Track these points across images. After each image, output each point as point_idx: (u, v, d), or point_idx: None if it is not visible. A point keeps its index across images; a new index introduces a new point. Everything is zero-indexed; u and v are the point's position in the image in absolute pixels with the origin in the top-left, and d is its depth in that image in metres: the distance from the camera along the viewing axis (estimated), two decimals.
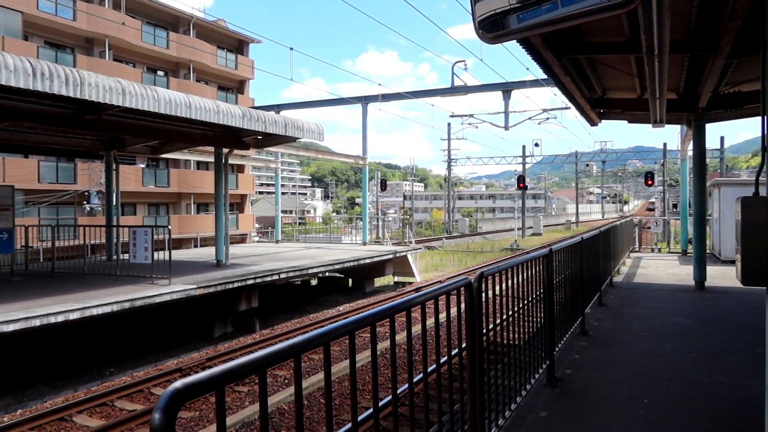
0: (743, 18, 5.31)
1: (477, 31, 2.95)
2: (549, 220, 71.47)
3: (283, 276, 13.80)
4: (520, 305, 4.02)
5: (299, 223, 57.04)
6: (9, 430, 6.68)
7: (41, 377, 9.34)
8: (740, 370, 5.27)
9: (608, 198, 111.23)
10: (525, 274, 4.09)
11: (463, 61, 22.03)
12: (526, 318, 4.14)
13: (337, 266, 16.28)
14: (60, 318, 8.53)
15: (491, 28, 2.89)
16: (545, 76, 7.94)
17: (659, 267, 14.15)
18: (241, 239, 34.15)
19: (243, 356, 1.50)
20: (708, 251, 13.95)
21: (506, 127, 25.37)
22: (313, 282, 20.17)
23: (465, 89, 22.62)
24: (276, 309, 15.23)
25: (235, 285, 12.05)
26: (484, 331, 3.24)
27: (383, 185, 38.40)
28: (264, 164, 26.88)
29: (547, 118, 29.35)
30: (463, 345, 3.09)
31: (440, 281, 17.34)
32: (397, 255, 19.68)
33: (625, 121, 11.58)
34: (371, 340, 2.13)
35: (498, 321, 3.64)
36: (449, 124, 49.66)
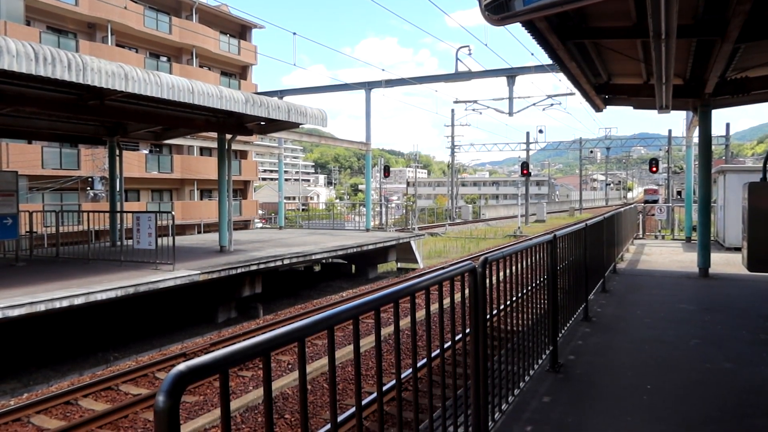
0: (752, 2, 5.24)
1: (483, 14, 2.91)
2: (552, 207, 71.34)
3: (286, 262, 13.83)
4: (524, 291, 4.02)
5: (302, 210, 57.07)
6: (16, 413, 6.74)
7: (47, 362, 9.42)
8: (744, 357, 5.27)
9: (612, 185, 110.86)
10: (529, 260, 4.08)
11: (468, 46, 21.86)
12: (529, 304, 4.14)
13: (340, 252, 16.31)
14: (65, 303, 8.57)
15: (497, 11, 2.85)
16: (550, 62, 7.87)
17: (663, 254, 14.13)
18: (245, 225, 34.20)
19: (247, 340, 1.49)
20: (712, 238, 13.90)
21: (510, 113, 25.27)
22: (317, 268, 20.21)
23: (469, 75, 22.48)
24: (279, 295, 15.29)
25: (239, 271, 12.09)
26: (488, 316, 3.24)
27: (386, 171, 38.38)
28: (267, 150, 26.88)
29: (552, 104, 29.26)
30: (467, 330, 3.08)
31: (444, 267, 17.37)
32: (400, 241, 19.70)
33: (631, 107, 11.49)
34: (375, 325, 2.13)
35: (502, 306, 3.64)
36: (453, 110, 48.94)
